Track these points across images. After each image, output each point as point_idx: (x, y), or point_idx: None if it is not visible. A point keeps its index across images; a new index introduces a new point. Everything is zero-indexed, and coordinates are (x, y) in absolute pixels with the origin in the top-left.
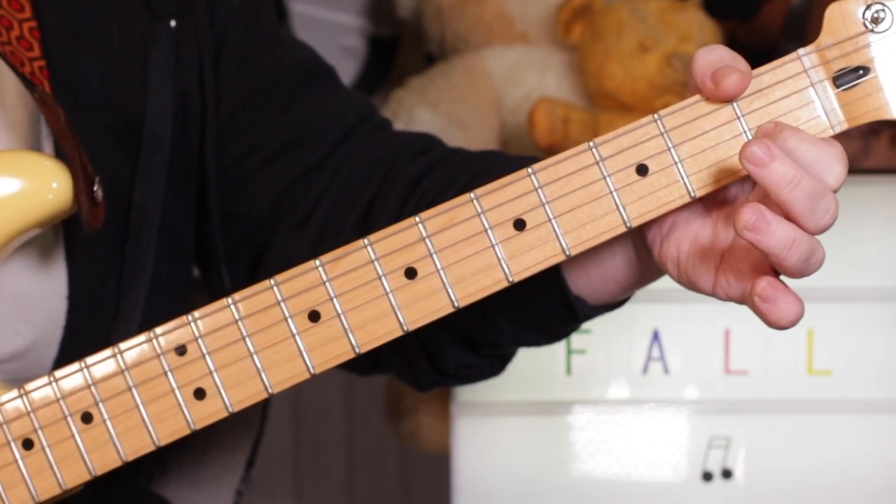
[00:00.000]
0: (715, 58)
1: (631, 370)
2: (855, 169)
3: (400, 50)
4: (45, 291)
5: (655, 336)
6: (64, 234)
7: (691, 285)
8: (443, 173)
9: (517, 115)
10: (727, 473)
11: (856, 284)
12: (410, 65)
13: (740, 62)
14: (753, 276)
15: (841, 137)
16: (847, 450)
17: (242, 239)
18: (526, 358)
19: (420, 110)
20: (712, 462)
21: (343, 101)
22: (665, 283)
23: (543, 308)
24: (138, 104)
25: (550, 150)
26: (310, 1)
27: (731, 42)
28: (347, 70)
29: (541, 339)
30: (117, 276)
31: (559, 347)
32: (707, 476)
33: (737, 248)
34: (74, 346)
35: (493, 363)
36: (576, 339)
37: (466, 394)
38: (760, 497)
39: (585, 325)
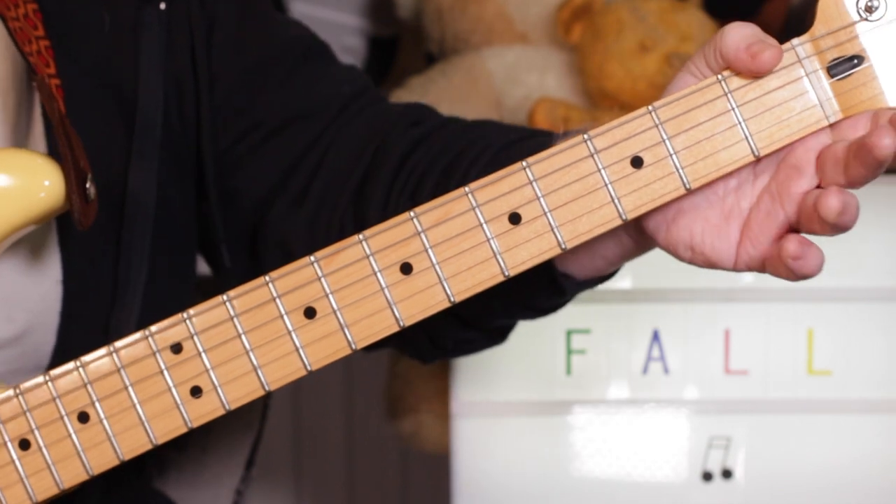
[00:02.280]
0: (749, 31)
1: (631, 370)
2: None
3: (400, 50)
4: (39, 277)
5: (655, 336)
6: (57, 220)
7: (709, 264)
8: (431, 146)
9: (517, 115)
10: (727, 473)
11: (856, 284)
12: (410, 65)
13: (771, 39)
14: (775, 240)
15: None
16: (847, 450)
17: (241, 217)
18: (526, 358)
19: None
20: (712, 462)
21: (339, 76)
22: (665, 283)
23: (530, 286)
24: (130, 89)
25: None
26: (310, 1)
27: None
28: None
29: (533, 314)
30: (113, 262)
31: (559, 347)
32: (707, 476)
33: (754, 220)
34: (72, 332)
35: (492, 335)
36: (576, 339)
37: (466, 394)
38: (760, 497)
39: (585, 325)
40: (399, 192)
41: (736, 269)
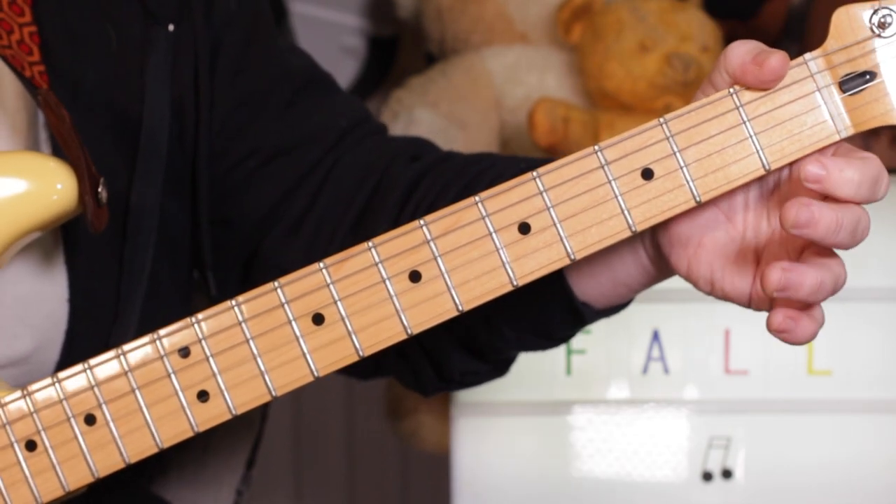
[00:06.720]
0: (751, 45)
1: (631, 370)
2: None
3: (400, 50)
4: (46, 295)
5: (655, 336)
6: (63, 237)
7: (727, 300)
8: (439, 176)
9: (517, 115)
10: (727, 473)
11: (856, 284)
12: (410, 65)
13: (775, 50)
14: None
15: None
16: (847, 450)
17: (235, 244)
18: (526, 358)
19: (420, 110)
20: (712, 462)
21: (339, 106)
22: (665, 282)
23: (548, 315)
24: (136, 108)
25: (550, 150)
26: (310, 1)
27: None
28: (347, 70)
29: (546, 344)
30: (116, 280)
31: (559, 347)
32: (707, 476)
33: (764, 266)
34: (76, 350)
35: (497, 367)
36: (576, 338)
37: (466, 394)
38: (760, 497)
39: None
40: (409, 220)
41: (751, 307)
